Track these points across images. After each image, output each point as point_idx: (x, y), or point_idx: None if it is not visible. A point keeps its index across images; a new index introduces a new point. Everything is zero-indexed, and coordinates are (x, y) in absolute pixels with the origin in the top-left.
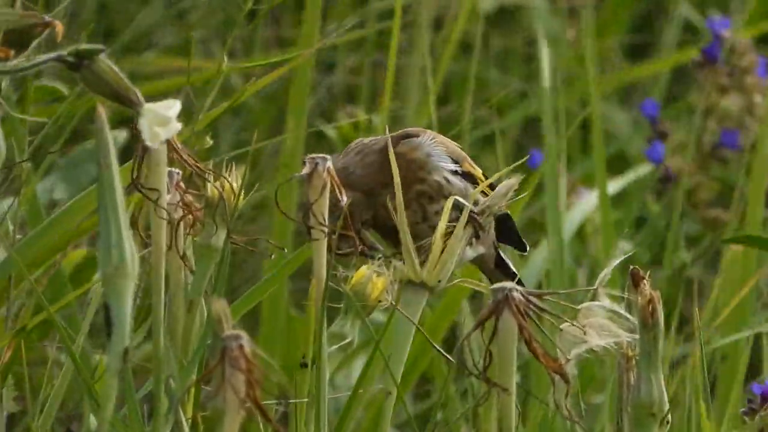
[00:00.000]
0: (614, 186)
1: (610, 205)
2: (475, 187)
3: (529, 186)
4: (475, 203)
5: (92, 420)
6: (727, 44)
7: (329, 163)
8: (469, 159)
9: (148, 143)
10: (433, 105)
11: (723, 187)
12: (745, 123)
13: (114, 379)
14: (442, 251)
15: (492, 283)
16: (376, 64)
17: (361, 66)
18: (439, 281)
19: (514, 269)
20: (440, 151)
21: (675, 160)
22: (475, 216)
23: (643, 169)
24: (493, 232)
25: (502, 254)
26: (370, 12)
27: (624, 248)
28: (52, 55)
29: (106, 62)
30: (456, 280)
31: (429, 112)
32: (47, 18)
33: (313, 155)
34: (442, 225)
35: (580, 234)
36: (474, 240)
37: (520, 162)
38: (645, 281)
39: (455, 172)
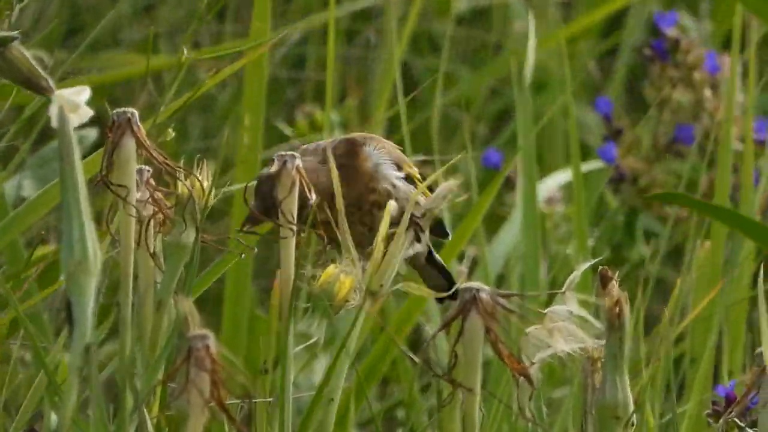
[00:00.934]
0: (562, 178)
1: (566, 200)
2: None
3: (494, 186)
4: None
5: (54, 418)
6: (671, 41)
7: (298, 161)
8: (408, 161)
9: (55, 125)
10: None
11: (679, 182)
12: (699, 117)
13: (75, 377)
14: (383, 256)
15: (423, 278)
16: (346, 58)
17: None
18: (381, 286)
19: (442, 262)
20: (386, 159)
21: (629, 159)
22: (417, 219)
23: (599, 165)
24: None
25: (431, 249)
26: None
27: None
28: None
29: (18, 49)
30: (398, 285)
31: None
32: None
33: (283, 152)
34: (382, 230)
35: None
36: (415, 242)
37: (450, 164)
38: (614, 282)
39: (400, 178)
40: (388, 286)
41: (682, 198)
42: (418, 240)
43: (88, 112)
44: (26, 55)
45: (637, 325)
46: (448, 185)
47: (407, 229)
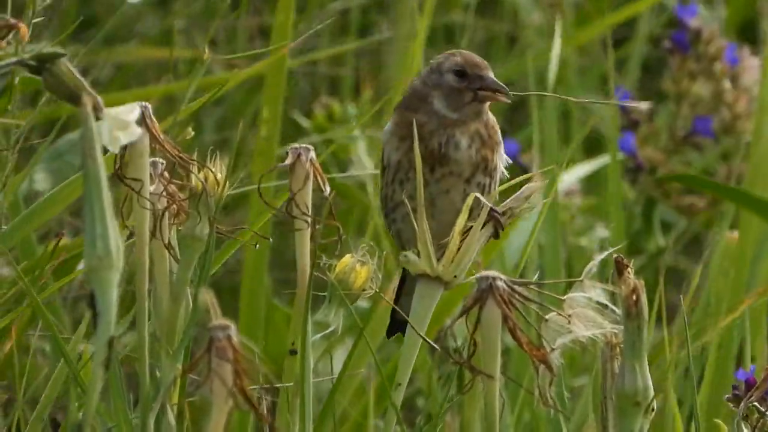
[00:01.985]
0: (582, 170)
1: (585, 190)
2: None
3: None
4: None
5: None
6: (693, 31)
7: (312, 154)
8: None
9: (108, 147)
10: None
11: (697, 173)
12: (718, 109)
13: (100, 369)
14: (459, 247)
15: None
16: (359, 53)
17: (343, 54)
18: (455, 276)
19: None
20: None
21: (647, 150)
22: (499, 217)
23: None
24: None
25: None
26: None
27: (601, 235)
28: (14, 59)
29: (66, 65)
30: (471, 277)
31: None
32: (12, 21)
33: (296, 145)
34: (461, 220)
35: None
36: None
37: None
38: (629, 270)
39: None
40: (461, 277)
41: (697, 180)
42: (496, 236)
43: (137, 131)
44: (74, 71)
45: (656, 313)
46: (531, 187)
47: (486, 223)
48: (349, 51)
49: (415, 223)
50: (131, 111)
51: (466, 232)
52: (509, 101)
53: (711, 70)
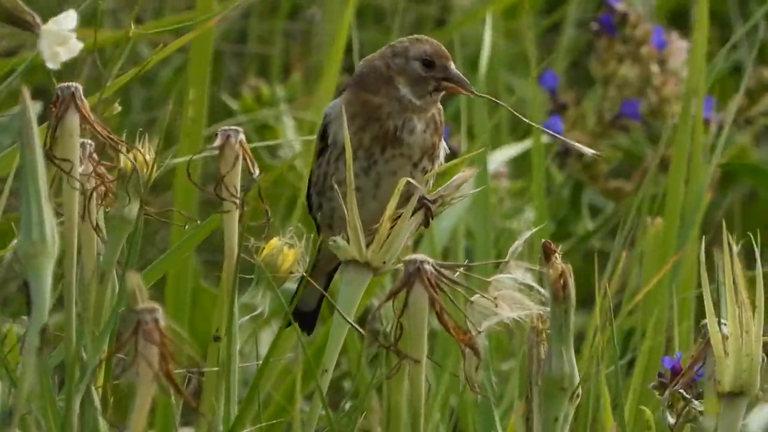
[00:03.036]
0: (508, 153)
1: (514, 174)
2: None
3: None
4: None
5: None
6: (620, 14)
7: (241, 136)
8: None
9: (49, 64)
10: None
11: (625, 157)
12: (646, 93)
13: (32, 356)
14: (389, 233)
15: None
16: (289, 32)
17: (272, 36)
18: (384, 263)
19: None
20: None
21: (574, 133)
22: (429, 204)
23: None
24: None
25: None
26: None
27: (528, 217)
28: None
29: None
30: (399, 264)
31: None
32: None
33: (226, 127)
34: (391, 205)
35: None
36: (422, 226)
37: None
38: (556, 254)
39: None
40: (390, 263)
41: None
42: (426, 224)
43: (78, 46)
44: None
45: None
46: (464, 175)
47: (417, 210)
48: (279, 32)
49: (344, 207)
50: (68, 19)
51: (396, 218)
52: (472, 94)
53: (638, 53)
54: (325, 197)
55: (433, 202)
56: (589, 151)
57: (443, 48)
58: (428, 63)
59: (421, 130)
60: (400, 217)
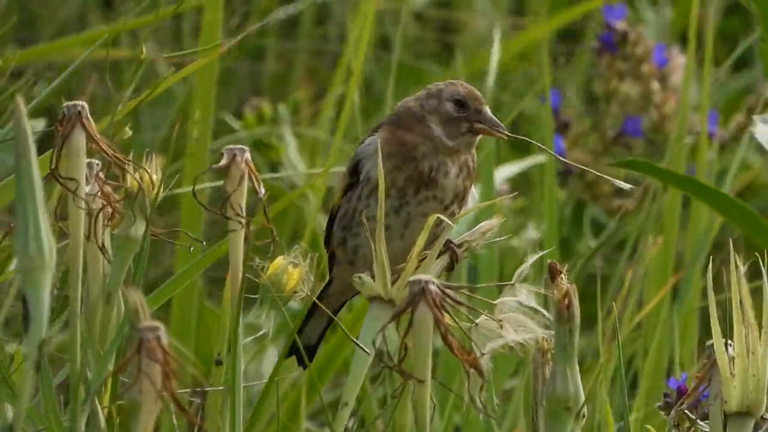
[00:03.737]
0: (510, 170)
1: (516, 192)
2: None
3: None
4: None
5: (8, 409)
6: (620, 33)
7: (247, 154)
8: None
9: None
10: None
11: (628, 175)
12: (647, 109)
13: (31, 370)
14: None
15: None
16: (307, 51)
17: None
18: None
19: None
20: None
21: (576, 152)
22: (456, 249)
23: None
24: None
25: None
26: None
27: (531, 236)
28: None
29: None
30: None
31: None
32: None
33: (231, 146)
34: (419, 242)
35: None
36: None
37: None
38: (562, 275)
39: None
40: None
41: (645, 165)
42: (451, 268)
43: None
44: None
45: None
46: (490, 223)
47: (443, 253)
48: (292, 51)
49: (371, 243)
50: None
51: (422, 258)
52: (505, 137)
53: (639, 70)
54: (351, 233)
55: (459, 246)
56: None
57: (476, 91)
58: (461, 104)
59: (454, 175)
60: (425, 257)
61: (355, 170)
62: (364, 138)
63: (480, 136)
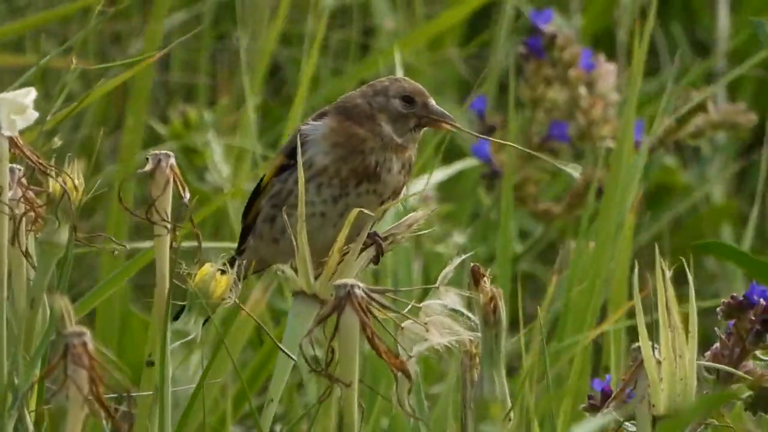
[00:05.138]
0: (436, 177)
1: (441, 198)
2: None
3: None
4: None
5: None
6: (548, 37)
7: (172, 160)
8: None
9: (5, 132)
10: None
11: (551, 180)
12: (574, 115)
13: None
14: (338, 264)
15: None
16: (213, 58)
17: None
18: (331, 295)
19: None
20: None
21: (502, 155)
22: (381, 242)
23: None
24: None
25: None
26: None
27: (458, 241)
28: None
29: None
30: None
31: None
32: None
33: (157, 151)
34: (341, 237)
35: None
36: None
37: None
38: (485, 278)
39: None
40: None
41: (726, 248)
42: (377, 261)
43: (34, 115)
44: None
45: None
46: (416, 215)
47: (369, 246)
48: (204, 57)
49: (294, 239)
50: (27, 94)
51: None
52: (455, 129)
53: (566, 76)
54: (282, 212)
55: (384, 239)
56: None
57: (419, 85)
58: (408, 100)
59: (396, 171)
60: (349, 251)
61: (293, 152)
62: (308, 120)
63: (423, 130)
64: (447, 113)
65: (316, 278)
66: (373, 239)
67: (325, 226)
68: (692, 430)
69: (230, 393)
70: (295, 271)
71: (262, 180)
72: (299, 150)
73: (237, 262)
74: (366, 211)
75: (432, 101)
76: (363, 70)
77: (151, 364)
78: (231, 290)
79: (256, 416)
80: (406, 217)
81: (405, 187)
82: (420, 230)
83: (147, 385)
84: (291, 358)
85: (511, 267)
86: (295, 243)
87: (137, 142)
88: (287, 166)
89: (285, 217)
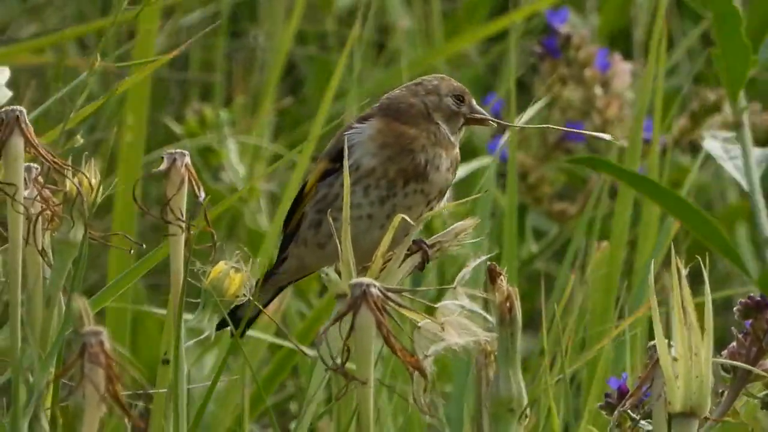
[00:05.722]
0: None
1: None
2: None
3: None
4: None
5: None
6: (563, 37)
7: (187, 159)
8: None
9: None
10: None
11: (569, 179)
12: (590, 115)
13: None
14: (382, 270)
15: None
16: (231, 57)
17: (214, 60)
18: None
19: None
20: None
21: (519, 155)
22: (427, 249)
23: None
24: None
25: None
26: (222, 4)
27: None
28: None
29: None
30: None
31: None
32: None
33: (171, 150)
34: (385, 242)
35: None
36: (416, 269)
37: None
38: (502, 277)
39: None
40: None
41: (600, 162)
42: (421, 268)
43: (7, 94)
44: None
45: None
46: (464, 224)
47: (415, 252)
48: (220, 56)
49: (338, 242)
50: (1, 72)
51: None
52: (495, 125)
53: (582, 75)
54: (326, 216)
55: (431, 246)
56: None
57: (461, 84)
58: (460, 99)
59: (445, 168)
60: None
61: (339, 155)
62: (351, 124)
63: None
64: (486, 113)
65: None
66: (420, 246)
67: (372, 228)
68: (708, 428)
69: (247, 392)
70: (339, 274)
71: (304, 187)
72: (346, 153)
73: (272, 278)
74: (407, 218)
75: (473, 100)
76: (388, 80)
77: (167, 362)
78: (245, 287)
79: (272, 414)
80: (453, 226)
81: (449, 189)
82: (466, 239)
83: (162, 383)
84: (324, 362)
85: (523, 265)
86: (339, 246)
87: (140, 142)
88: (332, 170)
89: (330, 220)
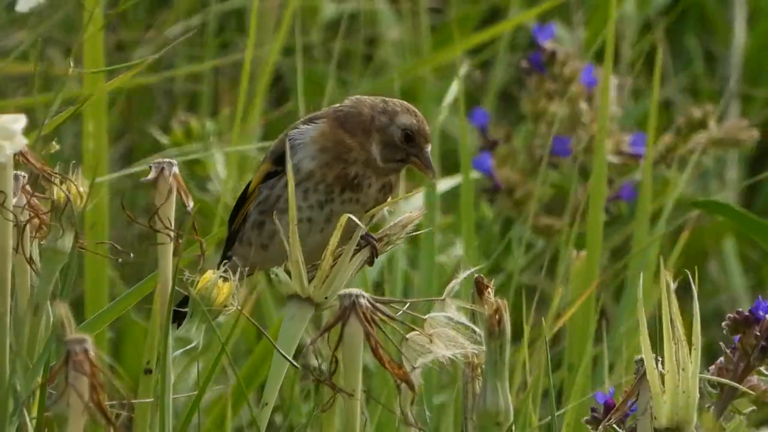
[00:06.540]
0: (441, 187)
1: (444, 210)
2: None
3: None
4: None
5: None
6: (548, 53)
7: (175, 168)
8: None
9: None
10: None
11: (556, 194)
12: (576, 129)
13: None
14: (332, 267)
15: None
16: (215, 67)
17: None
18: (326, 298)
19: None
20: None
21: (505, 170)
22: (375, 243)
23: (474, 176)
24: None
25: None
26: (209, 14)
27: (458, 253)
28: None
29: None
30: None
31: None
32: None
33: (160, 159)
34: (333, 240)
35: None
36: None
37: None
38: (489, 290)
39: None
40: (332, 299)
41: (720, 207)
42: (371, 263)
43: (23, 142)
44: None
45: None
46: (410, 216)
47: (364, 248)
48: (207, 66)
49: (286, 243)
50: (17, 120)
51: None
52: (433, 180)
53: (567, 90)
54: (269, 218)
55: (379, 240)
56: None
57: (427, 128)
58: (409, 138)
59: (376, 189)
60: (342, 253)
61: (282, 156)
62: (297, 124)
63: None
64: (432, 164)
65: (309, 281)
66: (368, 240)
67: (312, 231)
68: None
69: (228, 398)
70: (288, 274)
71: (248, 187)
72: (288, 153)
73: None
74: (354, 218)
75: (428, 147)
76: (372, 86)
77: (149, 372)
78: (233, 297)
79: (254, 413)
80: (400, 218)
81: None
82: (414, 231)
83: (145, 392)
84: (289, 361)
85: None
86: (287, 246)
87: (102, 148)
88: (274, 172)
89: (276, 221)
